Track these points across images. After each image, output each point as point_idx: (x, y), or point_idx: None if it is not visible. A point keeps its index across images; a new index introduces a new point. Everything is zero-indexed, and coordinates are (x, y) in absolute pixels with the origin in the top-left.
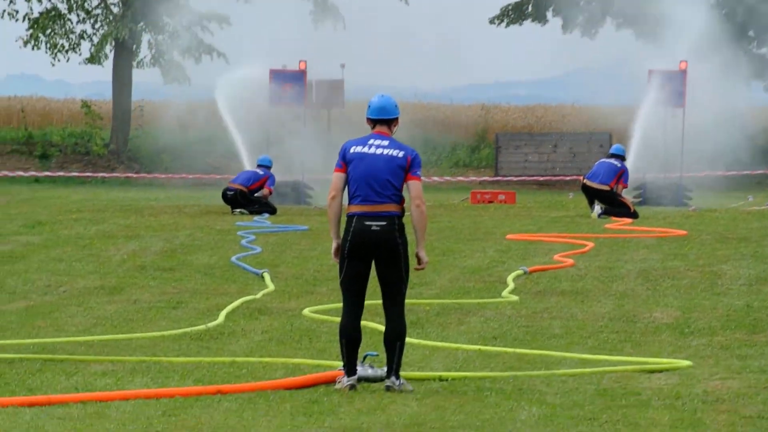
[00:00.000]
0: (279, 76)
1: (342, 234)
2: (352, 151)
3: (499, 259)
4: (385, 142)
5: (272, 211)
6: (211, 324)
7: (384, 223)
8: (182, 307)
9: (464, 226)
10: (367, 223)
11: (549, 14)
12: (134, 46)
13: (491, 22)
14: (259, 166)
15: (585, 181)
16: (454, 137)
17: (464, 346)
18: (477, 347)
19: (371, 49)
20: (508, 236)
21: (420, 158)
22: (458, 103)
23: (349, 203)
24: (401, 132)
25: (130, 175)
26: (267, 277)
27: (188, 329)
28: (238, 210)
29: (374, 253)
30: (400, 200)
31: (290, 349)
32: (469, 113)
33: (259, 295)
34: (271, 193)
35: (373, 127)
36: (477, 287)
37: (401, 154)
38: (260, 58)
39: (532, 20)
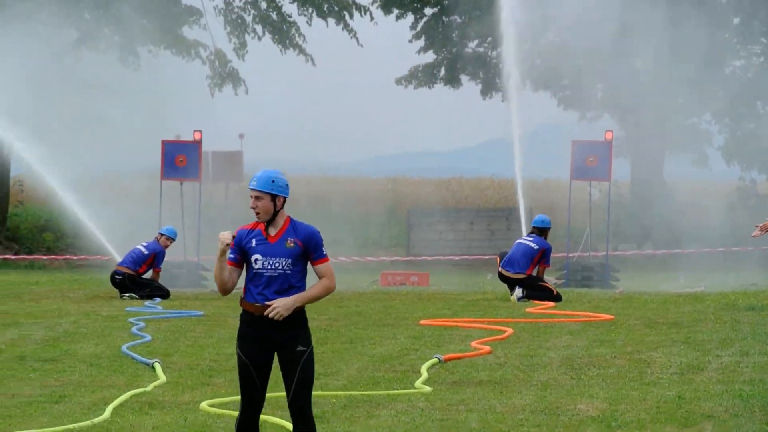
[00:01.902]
0: (171, 147)
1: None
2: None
3: (412, 347)
4: None
5: (165, 294)
6: (96, 420)
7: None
8: (65, 401)
9: (374, 311)
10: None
11: (463, 78)
12: None
13: (398, 83)
14: (160, 236)
15: (500, 269)
16: (363, 213)
17: None
18: None
19: (272, 118)
20: (422, 321)
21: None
22: (365, 176)
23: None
24: (307, 208)
25: (8, 256)
26: (158, 367)
27: (71, 426)
28: (127, 295)
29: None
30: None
31: None
32: (378, 187)
33: (149, 388)
34: (158, 273)
35: None
36: (387, 377)
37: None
38: (152, 129)
39: (444, 84)
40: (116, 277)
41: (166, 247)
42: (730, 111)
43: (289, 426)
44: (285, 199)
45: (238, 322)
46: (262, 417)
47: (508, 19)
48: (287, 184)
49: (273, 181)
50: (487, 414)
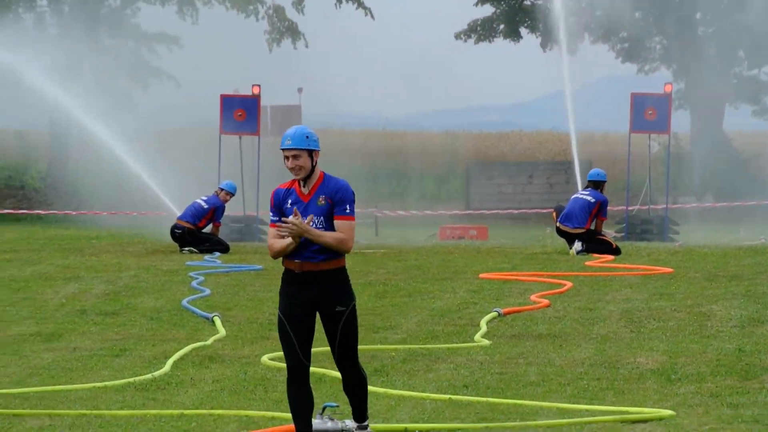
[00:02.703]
0: (230, 101)
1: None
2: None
3: (471, 300)
4: None
5: (224, 249)
6: (157, 373)
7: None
8: (126, 354)
9: (432, 265)
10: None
11: (523, 31)
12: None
13: (457, 37)
14: (220, 190)
15: (558, 224)
16: (421, 167)
17: (433, 395)
18: (447, 396)
19: (330, 72)
20: (481, 275)
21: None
22: (425, 130)
23: None
24: (367, 162)
25: (69, 212)
26: (218, 321)
27: (132, 379)
28: (186, 249)
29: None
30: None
31: (244, 400)
32: (437, 141)
33: (209, 341)
34: (218, 228)
35: None
36: (447, 331)
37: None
38: (212, 82)
39: (504, 37)
40: (176, 231)
41: (226, 201)
42: None
43: None
44: (318, 153)
45: None
46: (323, 371)
47: None
48: (318, 138)
49: (307, 137)
50: (546, 367)
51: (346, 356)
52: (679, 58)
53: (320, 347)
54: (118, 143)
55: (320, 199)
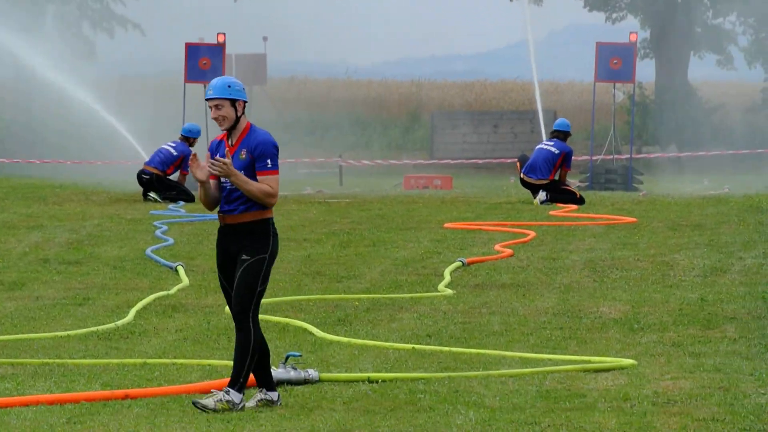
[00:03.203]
0: (195, 50)
1: (273, 236)
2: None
3: (435, 250)
4: None
5: (189, 198)
6: (120, 322)
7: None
8: (89, 304)
9: (397, 214)
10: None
11: None
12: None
13: None
14: (182, 137)
15: (523, 176)
16: (386, 116)
17: (396, 344)
18: (410, 346)
19: (296, 20)
20: (445, 225)
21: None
22: (390, 79)
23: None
24: (332, 111)
25: (32, 160)
26: (181, 270)
27: (95, 328)
28: (151, 195)
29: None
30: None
31: (207, 350)
32: (402, 90)
33: (173, 291)
34: (185, 176)
35: None
36: (410, 280)
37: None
38: (176, 31)
39: None
40: (143, 176)
41: (192, 146)
42: (755, 11)
43: (299, 326)
44: (245, 103)
45: None
46: (286, 320)
47: None
48: (243, 88)
49: (229, 86)
50: (509, 317)
51: (236, 307)
52: (645, 7)
53: (284, 297)
54: (81, 91)
55: (242, 153)
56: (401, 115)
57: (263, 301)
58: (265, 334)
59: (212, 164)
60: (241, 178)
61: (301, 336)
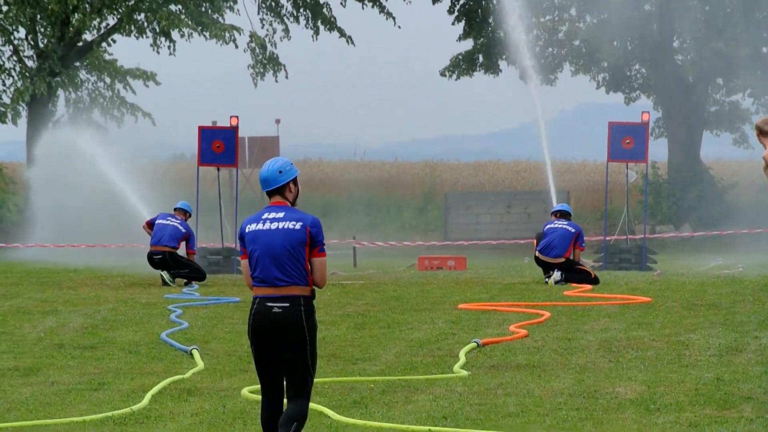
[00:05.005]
0: (208, 133)
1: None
2: (247, 230)
3: (450, 331)
4: (280, 214)
5: (201, 276)
6: (135, 407)
7: (287, 305)
8: (104, 388)
9: (411, 296)
10: (269, 304)
11: (502, 64)
12: (50, 104)
13: (442, 74)
14: (176, 210)
15: (538, 254)
16: (399, 197)
17: (412, 426)
18: (426, 428)
19: (309, 102)
20: (459, 305)
21: (320, 226)
22: (403, 160)
23: (254, 286)
24: (345, 193)
25: (46, 244)
26: (196, 354)
27: (111, 413)
28: (164, 275)
29: (277, 338)
30: (308, 280)
31: None
32: (415, 171)
33: (188, 375)
34: (194, 256)
35: (270, 199)
36: (425, 362)
37: (299, 225)
38: (189, 115)
39: (485, 71)
40: (155, 257)
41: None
42: None
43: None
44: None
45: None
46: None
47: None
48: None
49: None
50: (525, 398)
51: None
52: (657, 86)
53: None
54: (96, 174)
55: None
56: (414, 196)
57: None
58: None
59: None
60: None
61: (317, 419)
